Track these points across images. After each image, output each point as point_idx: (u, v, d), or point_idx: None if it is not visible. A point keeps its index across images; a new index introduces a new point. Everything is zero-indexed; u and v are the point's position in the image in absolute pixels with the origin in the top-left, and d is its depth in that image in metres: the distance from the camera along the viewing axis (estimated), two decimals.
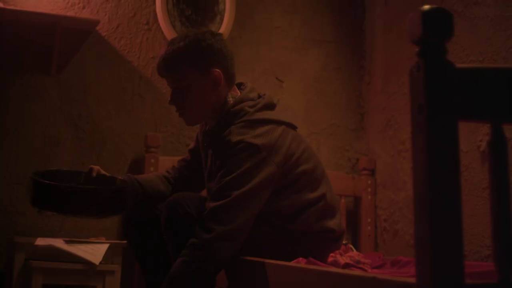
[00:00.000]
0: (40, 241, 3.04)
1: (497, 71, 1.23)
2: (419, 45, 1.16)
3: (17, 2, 3.38)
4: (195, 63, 2.35)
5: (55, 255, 3.00)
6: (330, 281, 1.79)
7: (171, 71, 2.38)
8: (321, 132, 3.95)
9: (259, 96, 2.44)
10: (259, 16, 3.91)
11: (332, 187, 2.52)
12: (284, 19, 3.97)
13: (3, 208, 3.31)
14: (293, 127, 2.42)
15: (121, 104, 3.57)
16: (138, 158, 3.53)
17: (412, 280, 1.28)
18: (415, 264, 1.14)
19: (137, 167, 3.49)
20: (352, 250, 2.60)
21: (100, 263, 3.03)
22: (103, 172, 2.45)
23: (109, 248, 3.10)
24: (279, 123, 2.34)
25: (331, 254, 2.39)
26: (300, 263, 2.21)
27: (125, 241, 3.11)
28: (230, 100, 2.39)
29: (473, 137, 3.14)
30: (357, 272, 2.11)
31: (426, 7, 1.14)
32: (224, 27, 3.69)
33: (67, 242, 3.07)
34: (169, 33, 3.64)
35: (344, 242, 2.55)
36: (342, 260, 2.32)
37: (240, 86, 2.49)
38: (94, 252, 3.04)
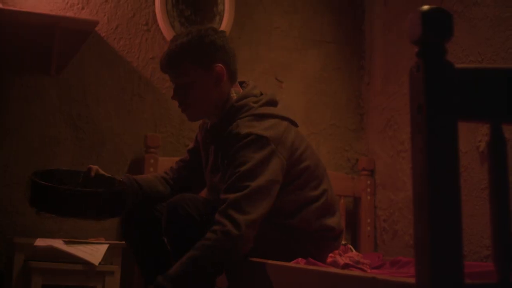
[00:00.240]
0: (40, 242, 3.04)
1: (496, 72, 1.23)
2: (419, 45, 1.16)
3: (16, 3, 3.38)
4: (198, 59, 2.36)
5: (54, 256, 3.00)
6: (330, 281, 1.79)
7: (174, 67, 2.39)
8: (321, 132, 3.95)
9: (261, 94, 2.45)
10: (258, 17, 3.91)
11: (332, 186, 2.52)
12: (284, 20, 3.97)
13: (3, 209, 3.31)
14: (295, 124, 2.43)
15: (120, 105, 3.57)
16: (138, 158, 3.53)
17: (412, 280, 1.28)
18: (414, 264, 1.14)
19: (137, 168, 3.49)
20: (352, 251, 2.60)
21: (100, 263, 3.03)
22: (101, 172, 2.45)
23: (108, 248, 3.10)
24: (283, 118, 2.36)
25: (330, 255, 2.39)
26: (299, 263, 2.21)
27: (124, 242, 3.11)
28: (234, 95, 2.42)
29: (472, 138, 3.14)
30: (356, 272, 2.11)
31: (426, 7, 1.14)
32: (223, 27, 3.69)
33: (66, 242, 3.07)
34: (168, 34, 3.64)
35: (343, 242, 2.55)
36: (342, 260, 2.32)
37: (242, 84, 2.50)
38: (93, 252, 3.04)
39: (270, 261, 2.13)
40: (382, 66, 3.93)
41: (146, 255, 2.50)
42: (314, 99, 3.98)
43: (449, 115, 1.15)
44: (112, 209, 2.25)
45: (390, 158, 3.79)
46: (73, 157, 3.43)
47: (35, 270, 2.96)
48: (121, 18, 3.62)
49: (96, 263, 3.01)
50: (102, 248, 3.08)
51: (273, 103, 2.41)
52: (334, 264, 2.30)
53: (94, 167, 2.44)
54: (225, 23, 3.71)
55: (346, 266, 2.27)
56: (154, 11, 3.67)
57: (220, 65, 2.37)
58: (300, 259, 2.24)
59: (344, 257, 2.38)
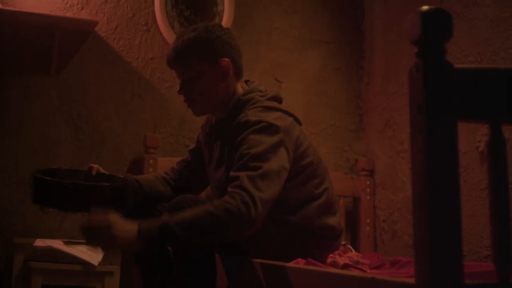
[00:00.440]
0: (39, 242, 3.04)
1: (496, 72, 1.23)
2: (419, 45, 1.16)
3: (16, 3, 3.38)
4: (205, 54, 2.37)
5: (54, 256, 3.00)
6: (329, 281, 1.80)
7: (181, 62, 2.41)
8: (320, 133, 3.95)
9: (265, 91, 2.47)
10: (258, 17, 3.91)
11: (333, 186, 2.53)
12: (284, 20, 3.97)
13: (2, 209, 3.30)
14: (298, 122, 2.44)
15: (120, 105, 3.57)
16: (137, 158, 3.53)
17: (411, 280, 1.28)
18: (414, 264, 1.15)
19: (136, 168, 3.49)
20: (351, 251, 2.60)
21: (99, 264, 3.03)
22: (102, 170, 2.46)
23: None
24: (288, 113, 2.37)
25: (330, 255, 2.39)
26: (299, 263, 2.21)
27: None
28: (240, 90, 2.43)
29: (472, 138, 3.14)
30: (356, 272, 2.11)
31: (426, 8, 1.14)
32: None
33: (66, 243, 3.07)
34: (168, 34, 3.64)
35: (343, 242, 2.55)
36: (341, 260, 2.32)
37: (246, 82, 2.52)
38: (93, 253, 3.04)
39: (270, 261, 2.13)
40: (382, 66, 3.93)
41: (146, 255, 2.49)
42: (314, 99, 3.98)
43: (449, 115, 1.15)
44: (114, 204, 2.25)
45: (389, 158, 3.79)
46: (73, 157, 3.43)
47: (34, 270, 2.96)
48: (120, 19, 3.62)
49: (96, 264, 3.01)
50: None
51: (278, 99, 2.44)
52: (334, 264, 2.30)
53: (95, 166, 2.44)
54: (225, 23, 3.71)
55: (345, 266, 2.27)
56: (153, 11, 3.67)
57: (226, 59, 2.38)
58: (299, 259, 2.24)
59: (343, 257, 2.38)
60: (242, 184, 2.07)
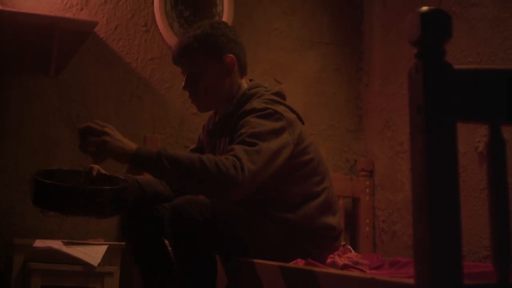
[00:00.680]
0: (39, 243, 3.04)
1: (495, 72, 1.24)
2: (418, 46, 1.16)
3: (15, 4, 3.38)
4: (210, 51, 2.39)
5: (53, 257, 3.00)
6: (329, 282, 1.80)
7: (186, 59, 2.43)
8: (320, 133, 3.95)
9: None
10: (257, 18, 3.91)
11: (333, 186, 2.53)
12: (283, 21, 3.97)
13: (2, 209, 3.31)
14: (301, 121, 2.45)
15: (120, 105, 3.57)
16: None
17: (411, 281, 1.28)
18: (413, 265, 1.15)
19: (136, 168, 3.48)
20: (351, 251, 2.60)
21: (99, 264, 3.03)
22: (103, 171, 2.46)
23: (107, 249, 3.11)
24: (292, 110, 2.39)
25: (330, 256, 2.39)
26: (298, 264, 2.21)
27: (123, 243, 3.11)
28: (245, 85, 2.46)
29: (471, 138, 3.14)
30: (355, 273, 2.11)
31: (425, 8, 1.14)
32: None
33: (65, 243, 3.07)
34: (167, 35, 3.64)
35: (342, 243, 2.55)
36: (341, 261, 2.32)
37: (249, 81, 2.54)
38: (92, 253, 3.05)
39: (269, 262, 2.13)
40: (381, 67, 3.93)
41: (146, 255, 2.50)
42: (313, 100, 3.99)
43: (448, 116, 1.15)
44: (115, 207, 2.25)
45: (389, 159, 3.79)
46: (72, 158, 3.43)
47: (34, 271, 2.96)
48: (120, 19, 3.62)
49: (95, 264, 3.02)
50: (101, 249, 3.08)
51: (282, 95, 2.46)
52: (333, 264, 2.30)
53: (96, 166, 2.44)
54: None
55: (345, 266, 2.27)
56: (153, 12, 3.67)
57: (231, 55, 2.40)
58: (299, 259, 2.25)
59: (343, 257, 2.39)
60: (236, 153, 2.10)
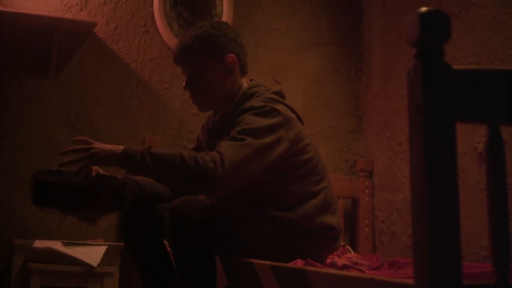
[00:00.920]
0: (38, 243, 3.04)
1: (494, 73, 1.24)
2: (417, 47, 1.16)
3: (15, 4, 3.38)
4: (211, 51, 2.40)
5: (53, 257, 3.00)
6: (328, 282, 1.80)
7: (187, 58, 2.43)
8: (319, 134, 3.95)
9: None
10: (257, 18, 3.91)
11: (332, 186, 2.54)
12: (282, 21, 3.97)
13: (2, 210, 3.31)
14: (301, 121, 2.46)
15: (119, 106, 3.57)
16: None
17: (410, 281, 1.28)
18: (413, 265, 1.15)
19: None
20: (350, 252, 2.60)
21: (98, 265, 3.03)
22: (101, 172, 2.46)
23: (107, 250, 3.10)
24: (292, 110, 2.39)
25: (329, 256, 2.39)
26: (298, 264, 2.21)
27: (123, 243, 3.11)
28: (245, 85, 2.47)
29: (470, 139, 3.15)
30: (355, 273, 2.11)
31: (424, 9, 1.15)
32: None
33: (65, 244, 3.07)
34: (167, 35, 3.64)
35: (342, 243, 2.56)
36: (340, 261, 2.32)
37: (250, 80, 2.55)
38: (92, 254, 3.04)
39: (269, 262, 2.13)
40: (380, 67, 3.93)
41: (145, 256, 2.50)
42: (313, 101, 3.99)
43: (448, 117, 1.15)
44: (113, 203, 2.26)
45: (388, 160, 3.79)
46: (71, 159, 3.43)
47: (34, 271, 2.96)
48: (119, 20, 3.62)
49: (95, 265, 3.01)
50: (101, 250, 3.08)
51: (282, 95, 2.47)
52: (333, 265, 2.31)
53: (95, 167, 2.44)
54: None
55: (344, 267, 2.27)
56: (152, 13, 3.67)
57: (232, 55, 2.41)
58: (298, 260, 2.25)
59: (342, 258, 2.39)
60: (219, 149, 2.15)
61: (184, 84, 2.46)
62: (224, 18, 3.72)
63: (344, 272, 2.07)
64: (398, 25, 3.78)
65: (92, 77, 3.55)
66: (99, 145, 2.20)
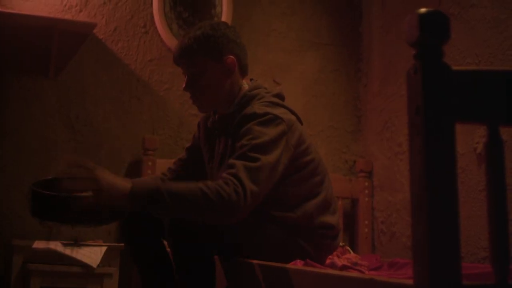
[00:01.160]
0: (38, 244, 3.04)
1: (494, 73, 1.24)
2: (416, 47, 1.16)
3: (14, 5, 3.38)
4: (210, 51, 2.39)
5: (53, 258, 3.00)
6: (328, 282, 1.80)
7: (187, 59, 2.42)
8: (319, 134, 3.95)
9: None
10: (256, 19, 3.91)
11: (332, 186, 2.54)
12: (282, 22, 3.97)
13: (1, 210, 3.31)
14: (300, 121, 2.46)
15: (118, 107, 3.57)
16: (136, 160, 3.53)
17: (410, 281, 1.28)
18: (412, 266, 1.15)
19: (135, 170, 3.49)
20: (349, 252, 2.61)
21: (98, 266, 3.03)
22: None
23: (107, 251, 3.10)
24: (292, 112, 2.40)
25: (329, 256, 2.39)
26: (297, 264, 2.21)
27: (122, 244, 3.11)
28: (246, 86, 2.46)
29: (469, 139, 3.15)
30: (354, 273, 2.12)
31: (423, 9, 1.15)
32: None
33: (65, 245, 3.07)
34: (166, 36, 3.64)
35: (341, 244, 2.56)
36: (340, 262, 2.32)
37: (250, 80, 2.54)
38: (92, 255, 3.04)
39: (268, 263, 2.13)
40: (380, 68, 3.93)
41: (144, 256, 2.50)
42: (312, 101, 3.99)
43: (447, 117, 1.15)
44: (113, 213, 2.24)
45: (387, 160, 3.79)
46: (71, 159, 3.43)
47: (33, 272, 2.96)
48: (119, 20, 3.62)
49: (95, 265, 3.01)
50: (101, 250, 3.08)
51: (281, 97, 2.47)
52: (332, 265, 2.31)
53: None
54: None
55: (344, 267, 2.28)
56: (152, 13, 3.67)
57: (231, 56, 2.40)
58: (298, 260, 2.25)
59: (342, 258, 2.39)
60: (237, 173, 2.09)
61: (184, 85, 2.46)
62: (224, 18, 3.72)
63: (344, 273, 2.07)
64: (397, 26, 3.79)
65: (92, 78, 3.55)
66: (104, 178, 2.05)
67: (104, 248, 3.10)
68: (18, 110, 3.39)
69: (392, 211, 3.72)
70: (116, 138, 3.54)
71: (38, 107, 3.42)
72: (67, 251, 3.02)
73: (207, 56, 2.40)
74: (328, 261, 2.35)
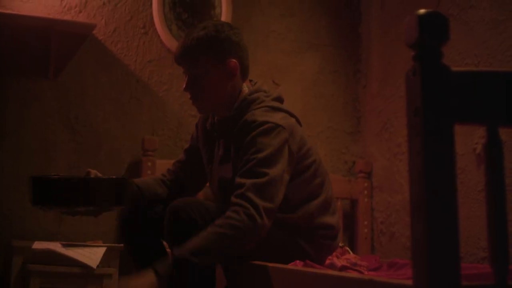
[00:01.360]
0: (38, 245, 3.04)
1: (493, 74, 1.24)
2: (415, 48, 1.16)
3: (14, 6, 3.38)
4: (212, 52, 2.38)
5: (52, 259, 3.00)
6: (327, 283, 1.80)
7: (188, 60, 2.41)
8: (318, 135, 3.96)
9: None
10: (255, 20, 3.92)
11: (332, 187, 2.54)
12: (281, 23, 3.98)
13: (1, 211, 3.30)
14: (299, 123, 2.46)
15: (118, 107, 3.57)
16: (135, 161, 3.53)
17: (409, 282, 1.29)
18: (411, 266, 1.15)
19: (134, 171, 3.49)
20: (349, 253, 2.61)
21: (98, 266, 3.03)
22: (100, 175, 2.45)
23: (106, 251, 3.10)
24: (291, 114, 2.40)
25: (328, 257, 2.39)
26: (297, 265, 2.21)
27: (122, 244, 3.11)
28: (246, 89, 2.45)
29: (469, 140, 3.15)
30: (354, 274, 2.12)
31: (422, 11, 1.15)
32: None
33: (64, 245, 3.07)
34: (166, 37, 3.64)
35: (340, 244, 2.56)
36: (339, 262, 2.32)
37: (250, 81, 2.54)
38: (91, 255, 3.04)
39: (268, 263, 2.13)
40: (379, 69, 3.94)
41: (144, 257, 2.49)
42: (311, 102, 3.99)
43: (446, 118, 1.15)
44: (114, 198, 2.25)
45: (387, 161, 3.79)
46: (70, 160, 3.44)
47: (33, 273, 2.95)
48: (118, 21, 3.62)
49: (94, 266, 3.01)
50: (100, 251, 3.08)
51: (281, 100, 2.47)
52: (332, 266, 2.31)
53: (93, 171, 2.44)
54: None
55: (343, 268, 2.28)
56: (151, 14, 3.67)
57: (234, 60, 2.39)
58: (297, 261, 2.25)
59: (341, 259, 2.39)
60: (246, 193, 2.13)
61: (184, 85, 2.46)
62: (223, 19, 3.72)
63: (343, 273, 2.08)
64: (396, 27, 3.79)
65: (91, 78, 3.55)
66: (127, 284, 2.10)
67: (103, 249, 3.10)
68: (17, 111, 3.39)
69: (391, 212, 3.72)
70: (116, 139, 3.55)
71: (37, 108, 3.42)
72: (67, 252, 3.02)
73: (209, 57, 2.38)
74: (327, 261, 2.36)
